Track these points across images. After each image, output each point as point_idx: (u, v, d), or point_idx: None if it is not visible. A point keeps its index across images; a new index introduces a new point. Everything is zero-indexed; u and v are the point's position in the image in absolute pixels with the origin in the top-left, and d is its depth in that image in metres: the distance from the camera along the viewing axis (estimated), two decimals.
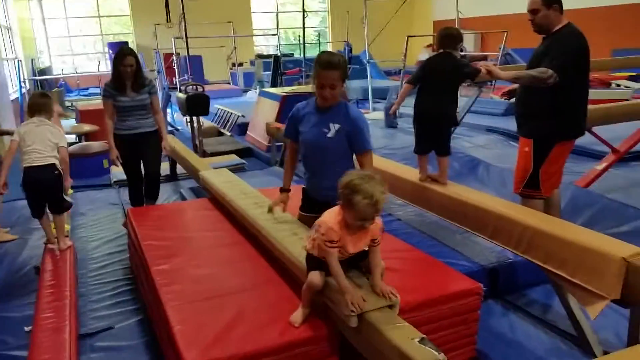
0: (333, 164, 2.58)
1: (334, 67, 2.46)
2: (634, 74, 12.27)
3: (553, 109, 3.00)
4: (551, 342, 2.67)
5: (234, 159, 6.52)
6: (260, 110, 8.10)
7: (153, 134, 4.29)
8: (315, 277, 2.11)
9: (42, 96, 3.77)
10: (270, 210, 2.99)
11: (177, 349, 2.06)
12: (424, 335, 1.81)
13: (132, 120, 4.16)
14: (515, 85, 3.33)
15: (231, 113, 9.41)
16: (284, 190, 2.94)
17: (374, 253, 2.09)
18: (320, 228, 2.03)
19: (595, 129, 4.52)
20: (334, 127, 2.55)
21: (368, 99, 10.73)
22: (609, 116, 4.61)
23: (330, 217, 2.04)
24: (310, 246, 2.13)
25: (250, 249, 3.01)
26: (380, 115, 9.32)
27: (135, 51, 4.28)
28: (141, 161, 4.36)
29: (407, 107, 9.67)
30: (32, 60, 15.09)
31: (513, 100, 3.48)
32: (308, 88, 8.24)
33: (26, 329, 2.87)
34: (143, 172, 4.40)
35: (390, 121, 8.69)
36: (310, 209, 2.76)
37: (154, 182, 4.45)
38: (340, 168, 2.57)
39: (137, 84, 4.11)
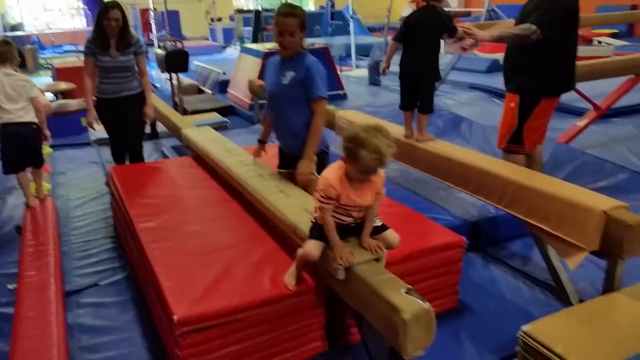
0: (290, 113, 2.66)
1: (292, 15, 2.51)
2: (616, 31, 12.28)
3: (540, 64, 2.99)
4: (530, 293, 2.76)
5: (216, 117, 6.44)
6: (241, 68, 7.96)
7: (137, 97, 3.91)
8: (312, 247, 2.03)
9: (4, 44, 3.57)
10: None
11: (166, 304, 2.07)
12: (410, 286, 1.85)
13: (114, 84, 3.81)
14: (472, 41, 3.27)
15: (211, 70, 9.23)
16: (260, 141, 3.10)
17: (372, 208, 2.03)
18: (318, 185, 1.96)
19: (577, 85, 4.55)
20: (289, 75, 2.60)
21: (351, 55, 10.59)
22: (592, 73, 4.62)
23: (331, 172, 1.94)
24: (319, 215, 2.02)
25: (236, 207, 3.02)
26: (363, 72, 9.24)
27: None
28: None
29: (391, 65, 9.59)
30: (1, 15, 14.51)
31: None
32: None
33: (10, 287, 2.86)
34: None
35: (374, 78, 8.62)
36: (284, 165, 2.86)
37: (135, 154, 4.09)
38: (297, 118, 2.64)
39: (122, 42, 3.74)
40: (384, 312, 1.80)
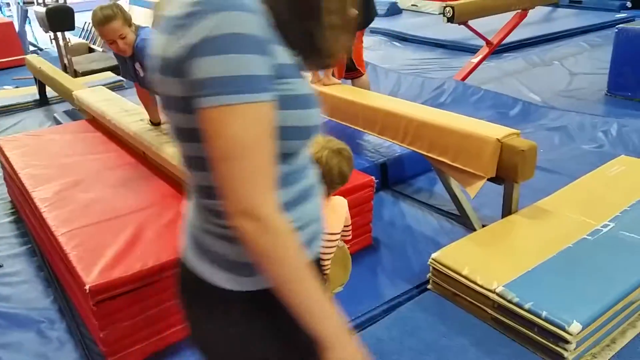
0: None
1: (109, 19, 2.51)
2: None
3: None
4: (437, 223, 2.92)
5: (110, 76, 6.04)
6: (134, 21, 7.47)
7: None
8: None
9: None
10: None
11: (75, 274, 1.98)
12: None
13: None
14: None
15: None
16: None
17: None
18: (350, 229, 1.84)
19: (471, 22, 4.73)
20: (138, 67, 2.68)
21: None
22: (483, 9, 4.81)
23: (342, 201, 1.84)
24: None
25: (141, 168, 2.89)
26: None
27: None
28: None
29: None
30: None
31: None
32: None
33: None
34: None
35: None
36: None
37: None
38: None
39: None
40: None
